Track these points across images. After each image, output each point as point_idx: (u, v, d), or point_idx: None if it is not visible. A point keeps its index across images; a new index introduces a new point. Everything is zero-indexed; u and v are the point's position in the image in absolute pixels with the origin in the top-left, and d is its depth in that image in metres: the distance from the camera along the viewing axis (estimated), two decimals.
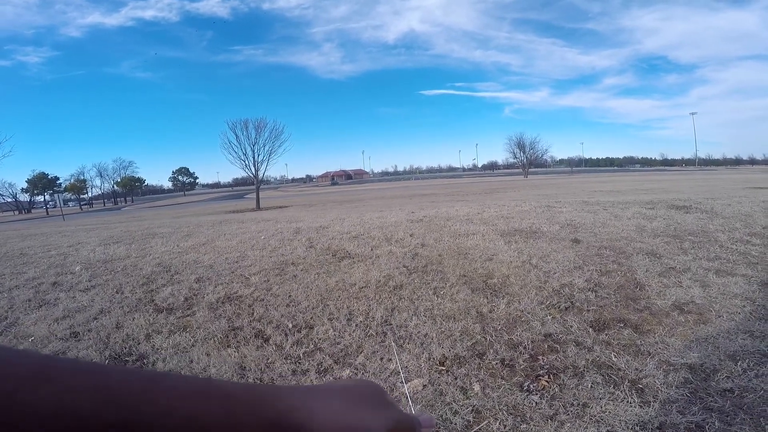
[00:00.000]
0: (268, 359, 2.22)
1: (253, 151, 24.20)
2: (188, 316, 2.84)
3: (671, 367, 1.95)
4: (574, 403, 1.75)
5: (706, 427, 1.56)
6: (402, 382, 1.91)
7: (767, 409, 1.62)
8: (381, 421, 0.31)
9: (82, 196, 75.91)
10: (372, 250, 4.04)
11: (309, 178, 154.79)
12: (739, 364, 1.93)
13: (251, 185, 30.95)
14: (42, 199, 70.83)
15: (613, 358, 2.05)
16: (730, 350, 2.06)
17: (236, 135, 23.97)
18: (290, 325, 2.60)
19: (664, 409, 1.67)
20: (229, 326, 2.64)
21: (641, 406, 1.70)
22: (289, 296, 3.04)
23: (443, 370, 2.03)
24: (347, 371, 2.08)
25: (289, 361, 2.19)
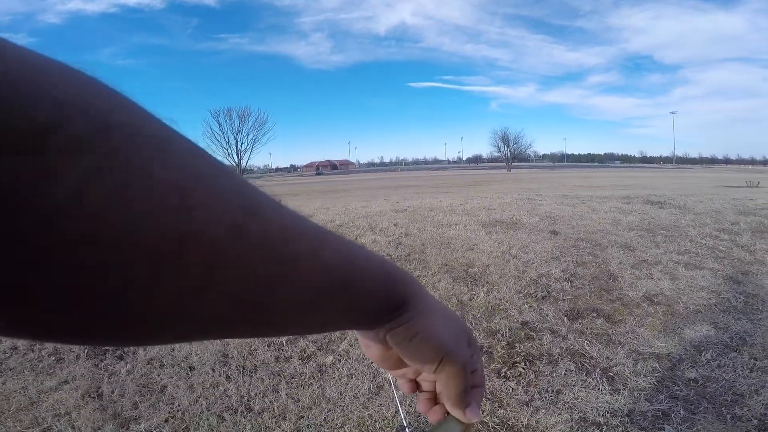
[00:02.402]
0: (251, 347, 2.22)
1: (237, 140, 23.85)
2: None
3: (640, 356, 2.05)
4: (549, 389, 1.82)
5: (672, 415, 1.64)
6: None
7: (729, 398, 1.72)
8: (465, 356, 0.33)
9: None
10: (356, 238, 4.05)
11: (293, 168, 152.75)
12: (703, 354, 2.03)
13: None
14: None
15: (586, 347, 2.13)
16: (695, 341, 2.17)
17: (219, 123, 23.53)
18: None
19: (633, 397, 1.75)
20: None
21: (611, 394, 1.78)
22: None
23: None
24: (330, 358, 2.10)
25: (272, 348, 2.20)
